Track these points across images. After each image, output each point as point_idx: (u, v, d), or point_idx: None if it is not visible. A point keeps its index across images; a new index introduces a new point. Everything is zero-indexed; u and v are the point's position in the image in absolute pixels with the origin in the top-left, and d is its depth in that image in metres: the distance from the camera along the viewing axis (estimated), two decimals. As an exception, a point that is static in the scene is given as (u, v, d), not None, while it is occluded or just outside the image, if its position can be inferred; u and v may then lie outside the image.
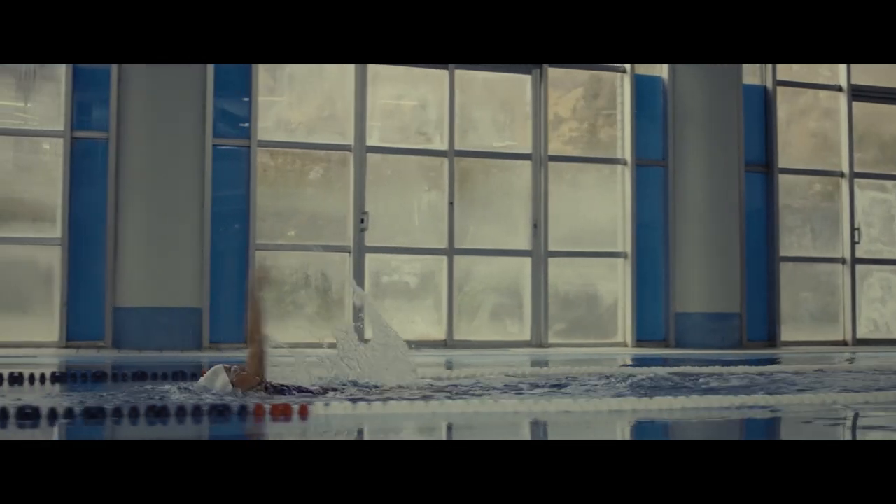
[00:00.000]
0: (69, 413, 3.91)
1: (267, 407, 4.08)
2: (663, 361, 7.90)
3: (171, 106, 9.27)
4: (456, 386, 5.33)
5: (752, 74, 11.37)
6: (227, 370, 4.60)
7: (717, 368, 6.70)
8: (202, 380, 4.66)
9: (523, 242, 10.50)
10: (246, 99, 9.72)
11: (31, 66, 9.32)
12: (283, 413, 4.08)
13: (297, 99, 10.14)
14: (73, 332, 9.16)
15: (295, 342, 9.50)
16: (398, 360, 5.23)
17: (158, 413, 3.94)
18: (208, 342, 9.33)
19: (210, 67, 9.39)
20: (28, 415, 3.81)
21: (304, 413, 4.10)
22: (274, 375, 4.83)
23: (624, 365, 7.63)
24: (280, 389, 4.69)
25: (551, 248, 10.49)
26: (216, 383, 4.56)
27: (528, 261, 10.48)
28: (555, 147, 10.63)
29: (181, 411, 3.98)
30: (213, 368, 4.66)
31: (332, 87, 10.10)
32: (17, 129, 9.36)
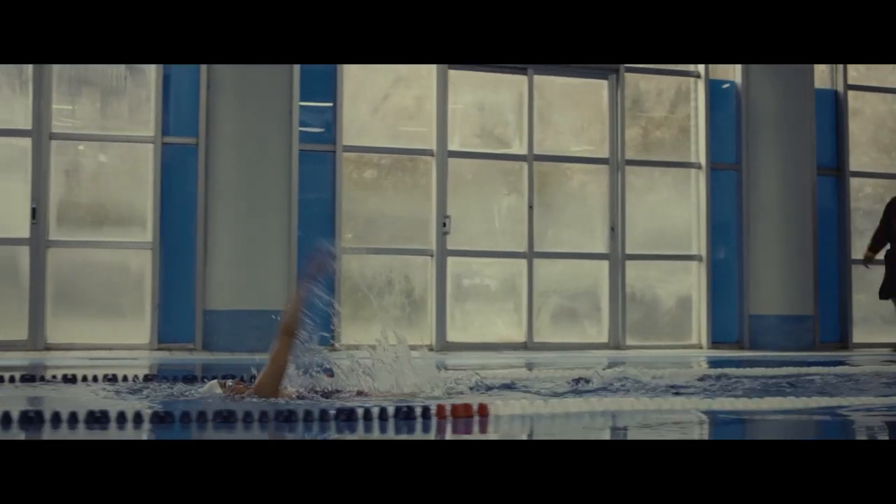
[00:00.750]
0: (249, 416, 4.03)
1: (448, 407, 4.21)
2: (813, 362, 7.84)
3: (258, 111, 9.39)
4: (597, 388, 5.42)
5: (822, 78, 11.43)
6: (223, 386, 4.76)
7: (844, 369, 6.83)
8: (202, 390, 4.84)
9: (600, 245, 10.59)
10: (331, 103, 9.82)
11: (122, 74, 9.45)
12: (463, 413, 4.20)
13: (379, 104, 10.23)
14: (164, 334, 9.28)
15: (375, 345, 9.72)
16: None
17: (349, 416, 4.05)
18: (296, 344, 9.42)
19: (296, 72, 9.50)
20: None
21: (483, 412, 4.23)
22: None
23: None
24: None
25: (628, 251, 10.58)
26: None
27: (605, 264, 10.57)
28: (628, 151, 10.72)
29: (368, 414, 4.09)
30: (208, 384, 4.84)
31: (414, 92, 10.21)
32: (109, 135, 9.46)
